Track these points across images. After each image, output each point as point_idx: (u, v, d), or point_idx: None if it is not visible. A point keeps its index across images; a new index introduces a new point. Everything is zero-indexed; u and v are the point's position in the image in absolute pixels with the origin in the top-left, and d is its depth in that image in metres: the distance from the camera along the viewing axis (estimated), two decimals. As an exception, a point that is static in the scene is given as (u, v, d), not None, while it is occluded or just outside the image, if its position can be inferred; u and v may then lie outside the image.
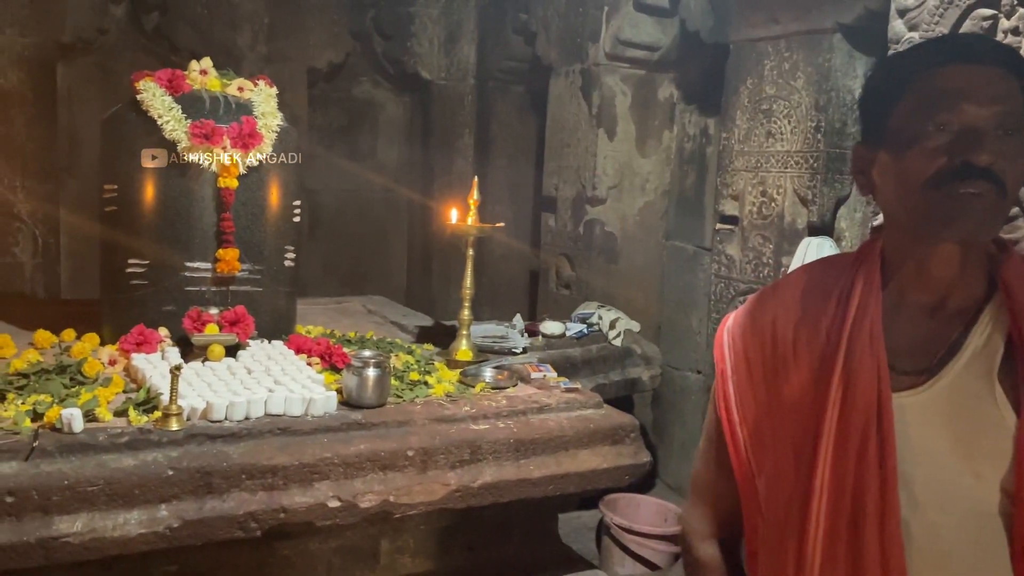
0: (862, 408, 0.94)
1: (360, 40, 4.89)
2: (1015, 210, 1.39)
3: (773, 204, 2.91)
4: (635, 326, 3.46)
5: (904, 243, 0.99)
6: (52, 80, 3.97)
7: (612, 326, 3.37)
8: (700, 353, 3.49)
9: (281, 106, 2.61)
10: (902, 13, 1.53)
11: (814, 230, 2.74)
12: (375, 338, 2.96)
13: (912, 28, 1.52)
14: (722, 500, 1.11)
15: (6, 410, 1.88)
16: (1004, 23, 1.39)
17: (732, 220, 3.08)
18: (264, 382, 2.12)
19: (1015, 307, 0.94)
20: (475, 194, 2.72)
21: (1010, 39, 1.38)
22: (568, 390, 2.42)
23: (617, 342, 3.34)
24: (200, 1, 4.39)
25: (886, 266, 1.02)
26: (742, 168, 3.03)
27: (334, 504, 1.89)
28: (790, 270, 2.70)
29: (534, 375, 2.53)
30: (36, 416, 1.85)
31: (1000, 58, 0.94)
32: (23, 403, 1.91)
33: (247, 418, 1.97)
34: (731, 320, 1.13)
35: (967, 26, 1.44)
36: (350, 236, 5.17)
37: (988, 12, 1.42)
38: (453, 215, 2.70)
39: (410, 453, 2.01)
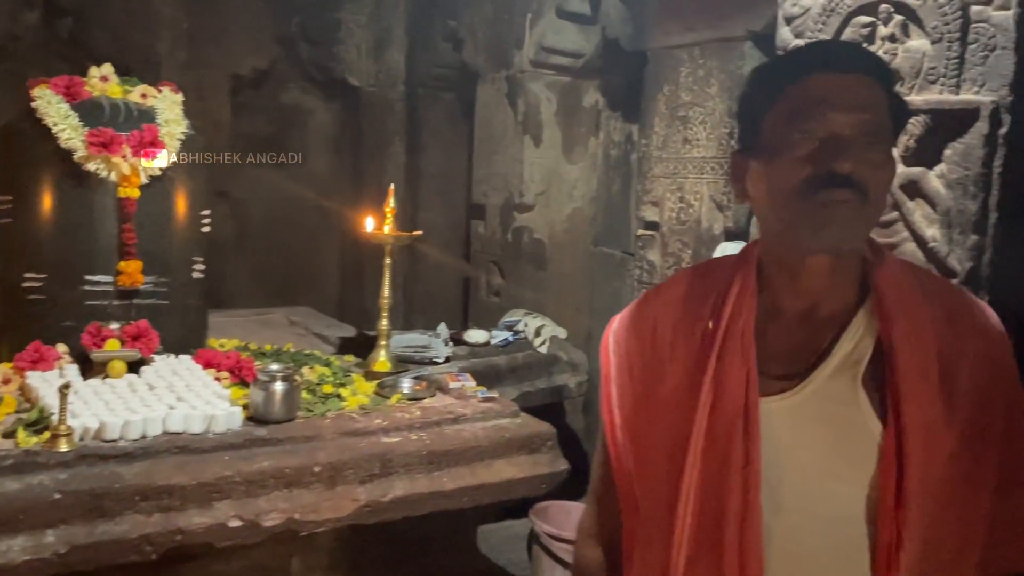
0: (730, 411, 0.95)
1: (286, 46, 4.82)
2: (894, 214, 1.42)
3: (691, 210, 2.95)
4: (561, 333, 3.46)
5: (777, 250, 1.00)
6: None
7: (538, 333, 3.37)
8: (627, 359, 3.51)
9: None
10: (789, 20, 1.56)
11: (731, 235, 2.77)
12: (293, 350, 2.90)
13: (798, 35, 1.55)
14: (608, 502, 1.11)
15: None
16: (882, 30, 1.43)
17: (653, 226, 3.11)
18: (165, 399, 2.05)
19: (885, 312, 0.95)
20: (391, 202, 2.69)
21: (887, 46, 1.41)
22: (485, 399, 2.40)
23: (543, 349, 3.33)
24: (116, 6, 4.27)
25: (762, 271, 1.02)
26: (661, 174, 3.06)
27: (235, 524, 1.83)
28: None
29: (452, 385, 2.50)
30: (-86, 440, 1.76)
31: (865, 66, 0.95)
32: (-98, 427, 1.82)
33: (144, 437, 1.90)
34: (616, 322, 1.14)
35: (847, 33, 1.47)
36: (280, 246, 5.07)
37: (867, 19, 1.45)
38: (369, 223, 2.66)
39: (317, 469, 1.96)
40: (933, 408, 0.90)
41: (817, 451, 0.93)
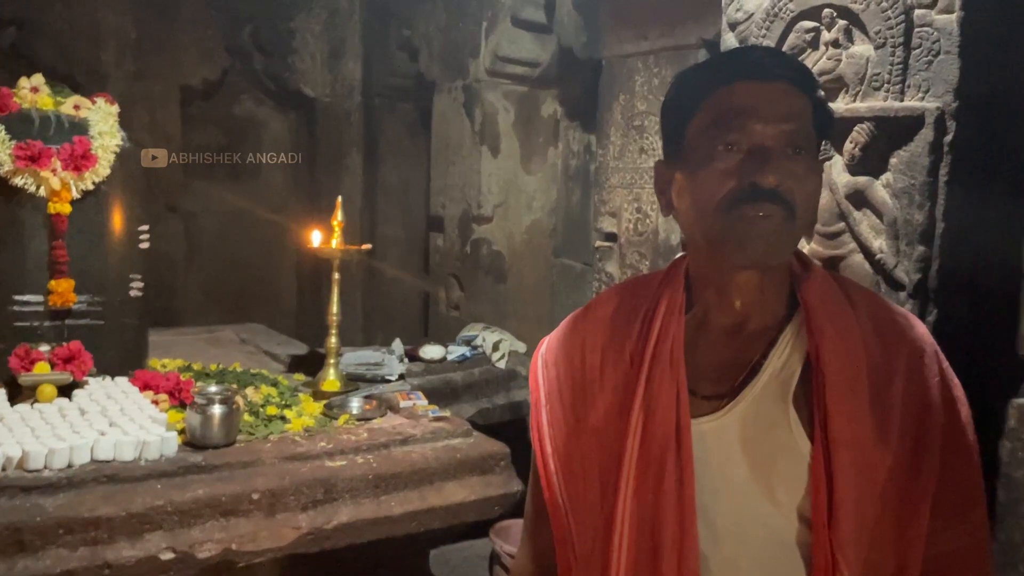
0: (661, 435, 0.91)
1: (238, 56, 4.74)
2: (840, 225, 1.39)
3: (648, 220, 2.92)
4: (520, 347, 3.42)
5: (703, 265, 0.97)
6: None
7: (496, 348, 3.32)
8: (588, 373, 3.47)
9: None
10: (733, 26, 1.53)
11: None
12: (240, 370, 2.81)
13: (742, 41, 1.52)
14: (542, 538, 1.06)
15: None
16: (825, 35, 1.40)
17: (611, 237, 3.08)
18: (97, 424, 1.97)
19: (813, 327, 0.92)
20: (339, 215, 2.64)
21: (831, 51, 1.39)
22: (436, 419, 2.35)
23: (501, 364, 3.29)
24: (60, 16, 4.16)
25: (690, 287, 0.99)
26: (618, 185, 3.03)
27: (167, 556, 1.76)
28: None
29: (403, 404, 2.44)
30: None
31: (788, 73, 0.92)
32: None
33: (70, 465, 1.82)
34: (545, 344, 1.10)
35: (791, 39, 1.45)
36: (234, 261, 4.97)
37: (810, 24, 1.43)
38: (315, 237, 2.60)
39: (255, 496, 1.89)
40: (863, 423, 0.87)
41: (749, 472, 0.89)
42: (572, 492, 0.98)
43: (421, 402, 2.46)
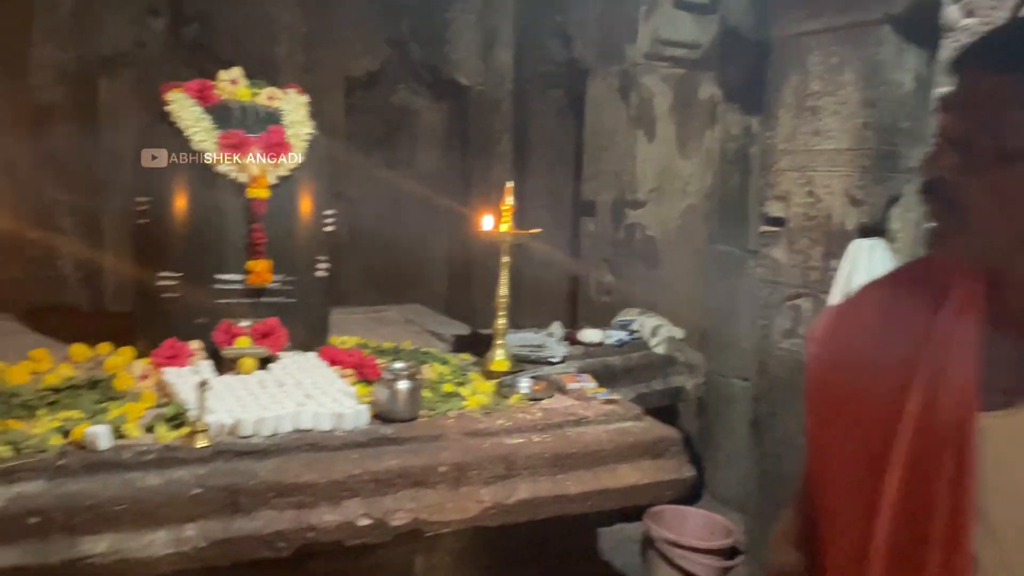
0: (942, 424, 0.84)
1: (397, 47, 4.86)
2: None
3: (820, 205, 2.79)
4: (678, 333, 3.35)
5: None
6: (93, 94, 4.00)
7: (654, 333, 3.27)
8: (746, 360, 3.36)
9: (318, 115, 2.58)
10: (957, -4, 1.41)
11: (865, 231, 2.60)
12: (411, 348, 2.90)
13: (969, 14, 1.40)
14: (808, 507, 1.03)
15: (35, 427, 1.85)
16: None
17: (778, 222, 2.96)
18: (294, 396, 2.07)
19: None
20: (508, 200, 2.65)
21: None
22: (607, 401, 2.34)
23: (659, 350, 3.23)
24: (238, 13, 4.40)
25: (990, 273, 0.90)
26: (787, 168, 2.90)
27: (364, 522, 1.83)
28: (839, 273, 2.57)
29: (571, 385, 2.45)
30: (65, 433, 1.82)
31: None
32: (52, 419, 1.89)
33: (275, 434, 1.92)
34: (827, 316, 1.06)
35: (1033, 7, 1.33)
36: (390, 245, 5.12)
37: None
38: (486, 222, 2.63)
39: (442, 469, 1.94)
40: None
41: None
42: (838, 465, 0.94)
43: (590, 384, 2.46)
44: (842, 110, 2.71)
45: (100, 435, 1.76)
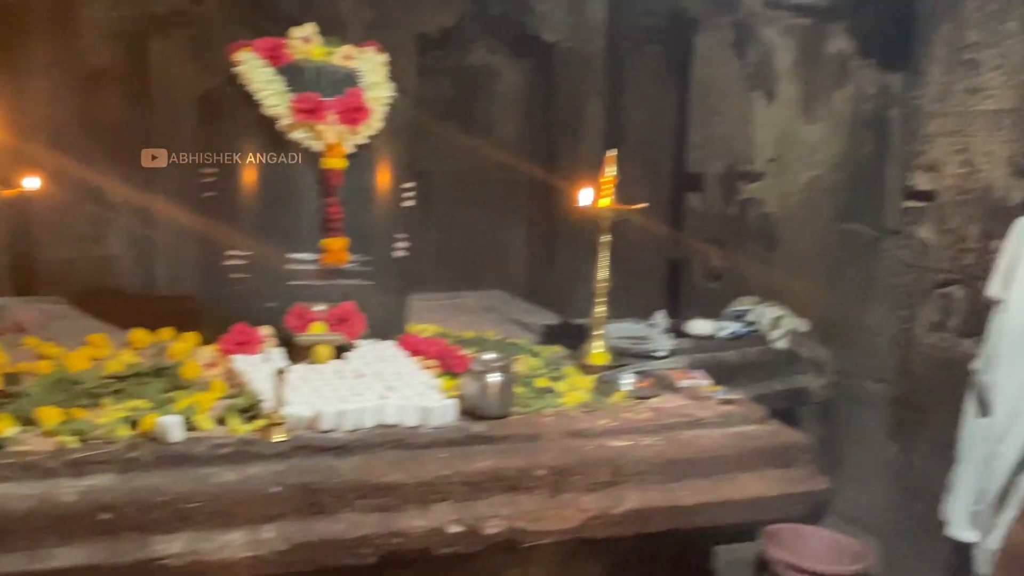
0: None
1: (474, 1, 4.89)
2: None
3: (979, 176, 2.70)
4: (801, 325, 3.31)
5: None
6: (145, 56, 4.15)
7: (774, 325, 3.24)
8: (882, 358, 3.29)
9: (390, 76, 2.62)
10: None
11: (1034, 206, 2.52)
12: (495, 338, 2.94)
13: None
14: None
15: (101, 416, 1.95)
16: None
17: (925, 196, 2.88)
18: (375, 388, 2.13)
19: None
20: (610, 171, 2.66)
21: None
22: (725, 401, 2.35)
23: (780, 344, 3.20)
24: (300, -35, 4.50)
25: None
26: (938, 132, 2.82)
27: (455, 529, 1.87)
28: (1001, 256, 2.48)
29: (683, 383, 2.46)
30: (133, 423, 1.91)
31: None
32: (119, 409, 1.98)
33: (358, 428, 1.98)
34: None
35: None
36: (465, 223, 5.17)
37: None
38: (584, 196, 2.63)
39: (540, 472, 1.97)
40: None
41: None
42: None
43: (704, 382, 2.46)
44: (1005, 64, 2.62)
45: (172, 426, 1.84)
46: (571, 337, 2.97)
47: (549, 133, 5.16)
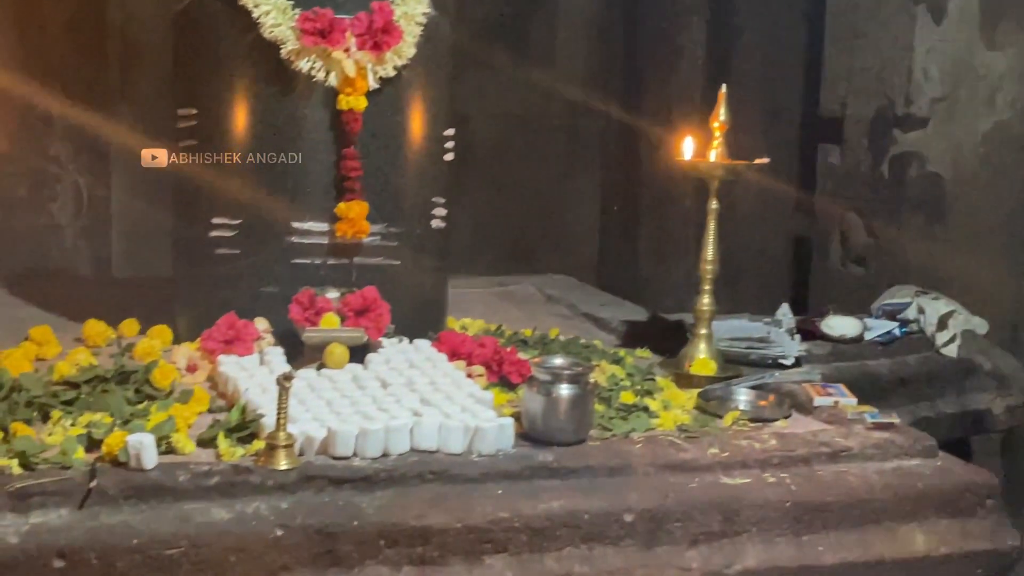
0: None
1: None
2: None
3: None
4: (980, 326, 3.27)
5: None
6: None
7: (942, 325, 3.20)
8: (1092, 372, 3.25)
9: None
10: None
11: None
12: (561, 338, 2.95)
13: None
14: None
15: (51, 433, 1.99)
16: None
17: None
18: (407, 401, 2.15)
19: None
20: (721, 114, 2.65)
21: None
22: (877, 426, 2.34)
23: (950, 351, 3.17)
24: None
25: None
26: None
27: (514, 590, 1.89)
28: None
29: (819, 400, 2.46)
30: (91, 443, 1.95)
31: None
32: (73, 424, 2.03)
33: (386, 455, 2.00)
34: None
35: None
36: (515, 184, 5.20)
37: None
38: (687, 146, 2.64)
39: (628, 518, 1.98)
40: None
41: None
42: None
43: (848, 400, 2.45)
44: None
45: (143, 448, 1.87)
46: (663, 338, 2.98)
47: (631, 64, 5.17)
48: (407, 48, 2.49)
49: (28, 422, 2.04)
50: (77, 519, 1.79)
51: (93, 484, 1.84)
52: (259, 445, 1.97)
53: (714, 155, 2.65)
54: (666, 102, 4.89)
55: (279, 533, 1.82)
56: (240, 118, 2.51)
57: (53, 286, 3.47)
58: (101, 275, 4.18)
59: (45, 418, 2.09)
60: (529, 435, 2.14)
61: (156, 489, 1.85)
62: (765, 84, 4.86)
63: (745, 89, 4.89)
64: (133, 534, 1.77)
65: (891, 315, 3.31)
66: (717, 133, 2.65)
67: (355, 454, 2.00)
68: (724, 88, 2.69)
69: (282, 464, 1.92)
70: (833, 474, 2.16)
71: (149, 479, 1.86)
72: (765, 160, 2.74)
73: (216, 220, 2.52)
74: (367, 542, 1.85)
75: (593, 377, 2.39)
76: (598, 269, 5.31)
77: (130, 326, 2.68)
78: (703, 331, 2.68)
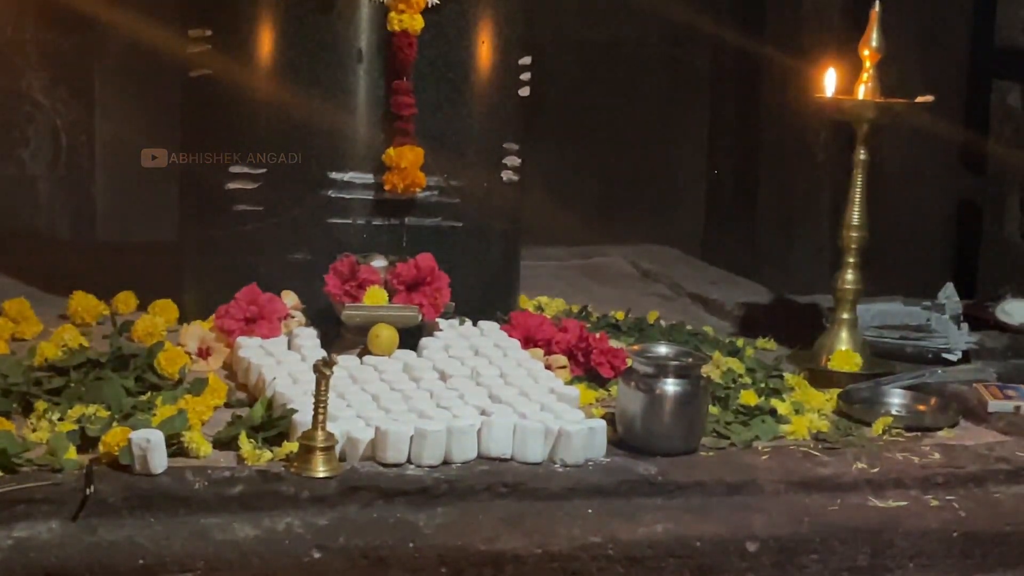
0: None
1: None
2: None
3: None
4: None
5: None
6: None
7: None
8: None
9: None
10: None
11: None
12: (662, 323, 2.97)
13: None
14: None
15: (35, 429, 2.05)
16: None
17: None
18: (472, 397, 2.18)
19: None
20: (874, 38, 2.64)
21: None
22: (1070, 439, 2.33)
23: None
24: None
25: None
26: None
27: (608, 633, 1.92)
28: None
29: (995, 405, 2.46)
30: (85, 441, 2.00)
31: None
32: (62, 418, 2.08)
33: (447, 463, 2.03)
34: None
35: None
36: (599, 129, 5.20)
37: None
38: (830, 79, 2.63)
39: (752, 547, 1.99)
40: None
41: None
42: None
43: (1032, 406, 2.45)
44: None
45: (154, 448, 1.92)
46: (793, 325, 2.98)
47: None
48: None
49: (7, 415, 2.09)
50: (71, 533, 1.82)
51: (89, 491, 1.87)
52: (291, 447, 2.00)
53: (863, 91, 2.63)
54: (795, 25, 4.86)
55: (316, 556, 1.85)
56: (265, 42, 2.54)
57: (25, 251, 3.50)
58: (82, 238, 4.21)
59: (27, 410, 2.13)
60: (625, 442, 2.17)
61: (166, 498, 1.89)
62: (924, 7, 4.82)
63: (901, 11, 4.87)
64: (139, 553, 1.80)
65: (1086, 301, 3.29)
66: (868, 64, 2.63)
67: (409, 460, 2.02)
68: (877, 5, 2.66)
69: (320, 471, 1.95)
70: (1013, 497, 2.17)
71: (158, 486, 1.90)
72: (929, 98, 2.70)
73: (234, 169, 2.55)
74: (424, 569, 1.88)
75: (706, 371, 2.40)
76: (705, 238, 5.30)
77: (126, 300, 2.73)
78: (845, 316, 2.67)
